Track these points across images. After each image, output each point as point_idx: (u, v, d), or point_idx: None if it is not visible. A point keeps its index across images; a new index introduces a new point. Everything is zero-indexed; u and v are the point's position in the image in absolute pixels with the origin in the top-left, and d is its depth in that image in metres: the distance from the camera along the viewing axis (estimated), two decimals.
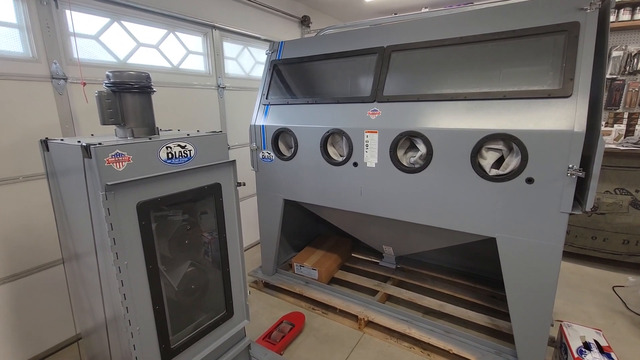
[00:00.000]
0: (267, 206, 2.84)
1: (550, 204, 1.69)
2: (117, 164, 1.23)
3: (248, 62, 3.72)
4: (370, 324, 2.48)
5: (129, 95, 1.47)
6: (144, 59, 2.70)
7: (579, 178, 1.62)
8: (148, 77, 1.52)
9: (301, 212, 3.23)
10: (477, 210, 1.90)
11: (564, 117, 1.61)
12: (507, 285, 1.91)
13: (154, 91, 1.57)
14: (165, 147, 1.39)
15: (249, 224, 3.83)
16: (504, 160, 1.84)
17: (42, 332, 2.21)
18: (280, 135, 2.65)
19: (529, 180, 1.72)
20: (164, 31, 2.81)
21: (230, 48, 3.47)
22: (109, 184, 1.20)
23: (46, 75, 2.12)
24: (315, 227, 3.65)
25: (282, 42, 2.76)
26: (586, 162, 1.65)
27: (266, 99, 2.72)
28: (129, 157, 1.26)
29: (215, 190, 1.62)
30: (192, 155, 1.50)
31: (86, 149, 1.20)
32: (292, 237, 3.33)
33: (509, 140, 1.74)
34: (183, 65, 3.00)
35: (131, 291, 1.31)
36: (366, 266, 3.11)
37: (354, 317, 2.51)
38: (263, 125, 2.68)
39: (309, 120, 2.46)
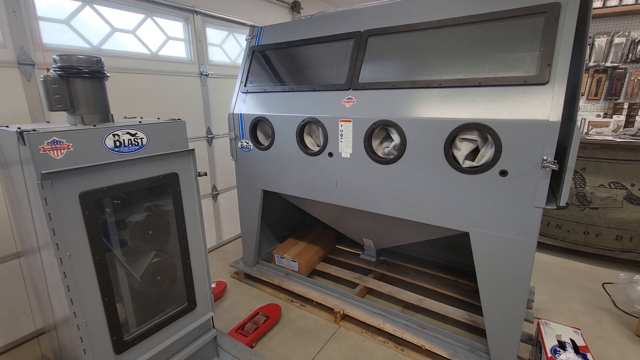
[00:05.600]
0: (247, 197, 2.79)
1: (524, 197, 1.61)
2: (54, 151, 1.18)
3: (234, 49, 3.63)
4: (346, 317, 2.44)
5: (78, 81, 1.42)
6: (120, 45, 2.63)
7: (555, 171, 1.53)
8: (99, 62, 1.46)
9: (285, 202, 3.18)
10: (450, 204, 1.82)
11: (540, 105, 1.52)
12: (479, 280, 1.84)
13: (107, 76, 1.51)
14: (111, 134, 1.33)
15: (237, 214, 3.80)
16: (479, 151, 1.75)
17: (6, 324, 2.20)
18: (259, 124, 2.58)
19: (503, 173, 1.64)
20: (141, 16, 2.73)
21: (214, 34, 3.37)
22: (44, 172, 1.15)
23: (13, 60, 2.07)
24: (301, 218, 3.61)
25: (261, 27, 2.67)
26: (562, 153, 1.55)
27: (244, 86, 2.64)
28: (69, 145, 1.21)
29: (172, 180, 1.57)
30: (144, 143, 1.44)
31: (20, 136, 1.15)
32: (276, 227, 3.29)
33: (482, 130, 1.65)
34: (162, 51, 2.92)
35: (76, 283, 1.28)
36: (349, 258, 3.07)
37: (331, 310, 2.47)
38: (241, 114, 2.61)
39: (285, 108, 2.38)
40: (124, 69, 2.61)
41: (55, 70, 1.38)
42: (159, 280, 1.78)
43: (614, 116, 3.55)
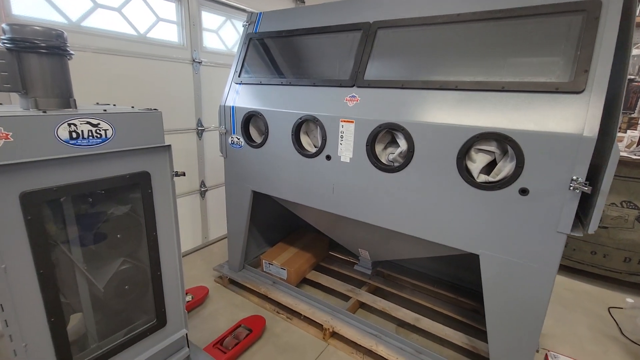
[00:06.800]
0: (235, 197, 2.58)
1: (546, 221, 1.41)
2: None
3: (231, 36, 3.39)
4: (336, 334, 2.24)
5: (32, 57, 1.18)
6: (104, 23, 2.39)
7: (583, 193, 1.33)
8: (60, 36, 1.23)
9: (277, 203, 2.96)
10: (460, 222, 1.62)
11: (573, 117, 1.31)
12: (487, 307, 1.65)
13: (71, 54, 1.28)
14: (66, 124, 1.10)
15: (224, 213, 3.57)
16: (497, 165, 1.55)
17: None
18: (252, 118, 2.36)
19: (523, 191, 1.44)
20: None
21: (210, 19, 3.13)
22: None
23: None
24: (293, 221, 3.38)
25: (260, 13, 2.43)
26: (593, 172, 1.36)
27: (239, 76, 2.41)
28: (7, 134, 0.99)
29: (142, 180, 1.35)
30: (108, 136, 1.22)
31: None
32: (266, 230, 3.08)
33: (503, 141, 1.45)
34: (151, 33, 2.68)
35: (13, 301, 1.06)
36: (342, 268, 2.86)
37: (320, 326, 2.27)
38: (233, 107, 2.38)
39: (281, 103, 2.16)
40: (106, 50, 2.37)
41: (4, 43, 1.15)
42: (126, 291, 1.57)
43: (628, 131, 3.36)
